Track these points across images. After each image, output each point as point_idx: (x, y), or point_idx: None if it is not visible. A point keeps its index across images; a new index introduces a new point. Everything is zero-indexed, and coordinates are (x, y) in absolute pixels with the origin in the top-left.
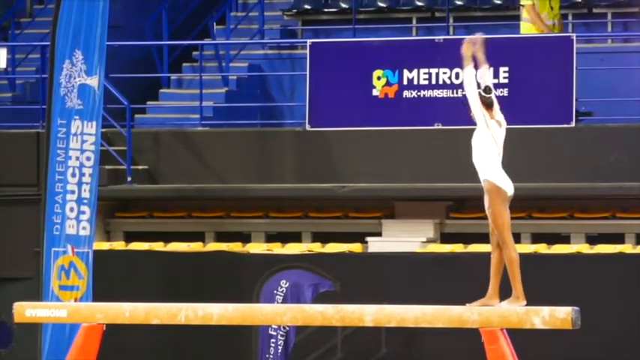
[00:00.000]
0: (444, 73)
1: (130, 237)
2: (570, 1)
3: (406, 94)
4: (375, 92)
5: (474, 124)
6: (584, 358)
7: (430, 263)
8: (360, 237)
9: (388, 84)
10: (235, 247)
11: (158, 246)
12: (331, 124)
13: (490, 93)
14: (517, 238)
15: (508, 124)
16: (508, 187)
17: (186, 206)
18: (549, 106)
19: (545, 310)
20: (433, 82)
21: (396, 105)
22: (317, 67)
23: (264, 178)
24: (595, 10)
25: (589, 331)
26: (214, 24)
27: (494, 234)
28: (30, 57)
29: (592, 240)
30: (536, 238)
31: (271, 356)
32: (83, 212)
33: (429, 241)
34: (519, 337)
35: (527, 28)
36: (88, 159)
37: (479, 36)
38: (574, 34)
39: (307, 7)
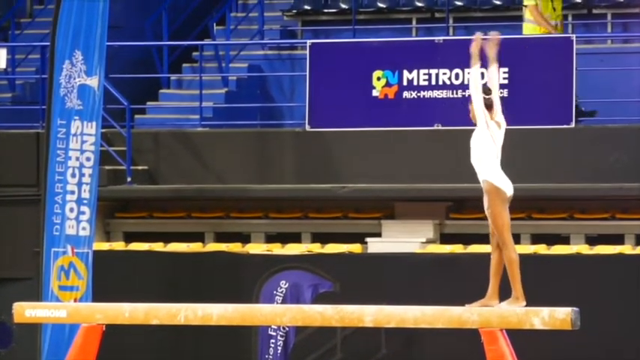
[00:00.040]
0: (444, 73)
1: (129, 237)
2: (570, 1)
3: (406, 94)
4: (374, 93)
5: (474, 124)
6: (584, 358)
7: (430, 264)
8: (359, 237)
9: (388, 84)
10: (235, 247)
11: (158, 246)
12: (331, 124)
13: (489, 94)
14: (517, 239)
15: (508, 125)
16: (507, 187)
17: (185, 207)
18: (549, 107)
19: (545, 311)
20: (433, 82)
21: (396, 105)
22: (317, 68)
23: (264, 178)
24: (595, 11)
25: (588, 332)
26: (214, 24)
27: (494, 235)
28: (30, 57)
29: (592, 241)
30: (536, 239)
31: (271, 357)
32: (83, 212)
33: (429, 241)
34: (519, 337)
35: (530, 28)
36: (88, 159)
37: (495, 35)
38: (574, 35)
39: (307, 7)
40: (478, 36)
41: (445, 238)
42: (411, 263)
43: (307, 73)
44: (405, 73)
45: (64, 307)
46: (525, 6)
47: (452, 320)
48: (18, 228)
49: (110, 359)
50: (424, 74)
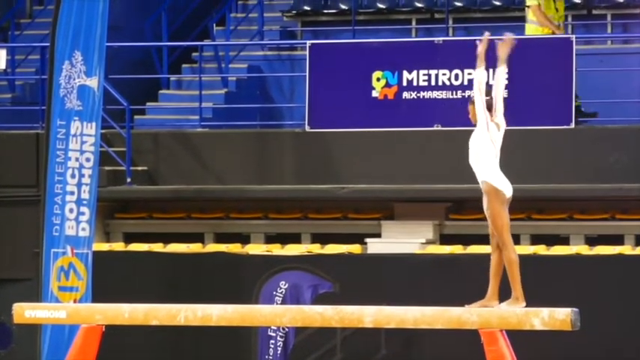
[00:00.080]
0: (444, 74)
1: (129, 238)
2: (570, 2)
3: (405, 95)
4: (374, 93)
5: (473, 125)
6: (584, 359)
7: (429, 264)
8: (359, 238)
9: (387, 85)
10: (234, 248)
11: (157, 247)
12: (331, 125)
13: (489, 95)
14: (516, 240)
15: (508, 126)
16: (506, 188)
17: (185, 207)
18: (549, 108)
19: (545, 312)
20: (432, 83)
21: (396, 106)
22: (316, 68)
23: (264, 179)
24: (594, 12)
25: (588, 333)
26: (214, 25)
27: (494, 235)
28: (29, 58)
29: (591, 241)
30: (536, 240)
31: (270, 357)
32: (82, 213)
33: (429, 242)
34: (519, 338)
35: (533, 29)
36: (88, 160)
37: (509, 36)
38: (573, 36)
39: (307, 8)
40: (486, 37)
41: (445, 239)
42: (410, 264)
43: (307, 74)
44: (405, 73)
45: (64, 307)
46: (528, 6)
47: (451, 321)
48: (17, 229)
49: None
50: (424, 75)
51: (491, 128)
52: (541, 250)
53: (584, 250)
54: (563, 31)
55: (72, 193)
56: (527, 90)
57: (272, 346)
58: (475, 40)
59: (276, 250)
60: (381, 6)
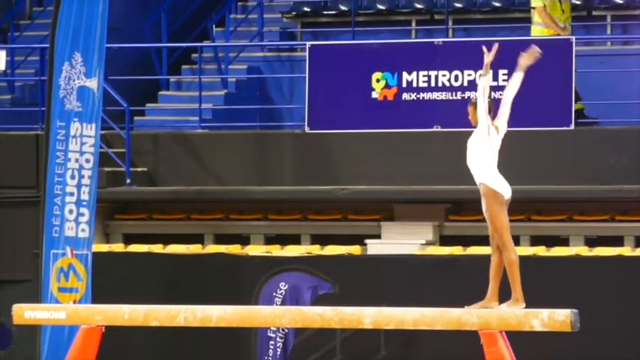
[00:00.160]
0: (443, 75)
1: (129, 239)
2: (570, 3)
3: (405, 96)
4: (374, 95)
5: (473, 126)
6: None
7: (429, 266)
8: (359, 239)
9: (387, 86)
10: (234, 249)
11: (157, 248)
12: (330, 126)
13: (488, 97)
14: (516, 241)
15: (507, 127)
16: (505, 190)
17: (185, 208)
18: (549, 109)
19: (544, 313)
20: (432, 84)
21: (395, 107)
22: (316, 70)
23: (264, 180)
24: (594, 13)
25: (588, 334)
26: (213, 26)
27: (494, 237)
28: (29, 59)
29: (591, 242)
30: (535, 241)
31: (270, 358)
32: (82, 214)
33: (428, 243)
34: (518, 339)
35: (539, 31)
36: (87, 161)
37: (535, 49)
38: (573, 37)
39: (306, 9)
40: (495, 47)
41: (444, 240)
42: (410, 265)
43: (307, 75)
44: (405, 74)
45: (64, 308)
46: (533, 8)
47: (451, 322)
48: (17, 230)
49: None
50: (423, 76)
51: (491, 131)
52: (541, 251)
53: (583, 251)
54: (569, 32)
55: (72, 194)
56: (526, 91)
57: (272, 347)
58: (475, 40)
59: (276, 251)
60: (380, 7)
